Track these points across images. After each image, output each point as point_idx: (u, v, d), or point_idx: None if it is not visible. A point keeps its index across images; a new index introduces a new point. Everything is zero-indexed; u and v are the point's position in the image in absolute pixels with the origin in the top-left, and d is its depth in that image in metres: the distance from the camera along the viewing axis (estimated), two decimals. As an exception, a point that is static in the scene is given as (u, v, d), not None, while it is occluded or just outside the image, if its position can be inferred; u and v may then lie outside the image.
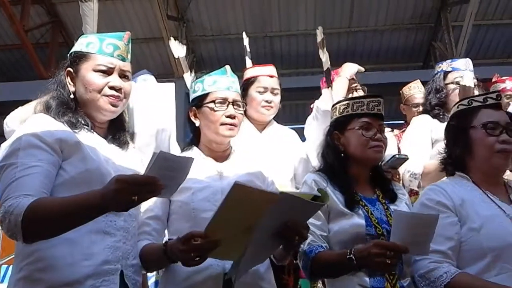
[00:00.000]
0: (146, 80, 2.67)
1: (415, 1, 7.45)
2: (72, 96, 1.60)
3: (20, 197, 1.34)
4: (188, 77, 2.29)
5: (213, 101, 1.82)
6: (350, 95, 2.58)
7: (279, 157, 2.48)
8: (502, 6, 7.48)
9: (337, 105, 1.94)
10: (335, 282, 1.70)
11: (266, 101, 2.53)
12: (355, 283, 1.64)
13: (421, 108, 3.04)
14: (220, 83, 1.85)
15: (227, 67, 1.91)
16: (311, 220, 1.69)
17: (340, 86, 2.57)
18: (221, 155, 1.87)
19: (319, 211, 1.70)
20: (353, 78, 2.68)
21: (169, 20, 7.17)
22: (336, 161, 1.85)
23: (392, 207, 1.80)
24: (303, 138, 2.68)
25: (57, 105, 1.58)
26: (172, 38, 2.52)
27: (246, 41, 2.99)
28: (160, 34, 7.21)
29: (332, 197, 1.75)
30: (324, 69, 2.60)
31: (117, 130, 1.68)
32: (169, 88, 2.33)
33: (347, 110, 1.88)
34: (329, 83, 2.53)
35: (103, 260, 1.45)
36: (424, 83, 3.17)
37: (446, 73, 2.71)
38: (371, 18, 7.66)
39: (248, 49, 2.94)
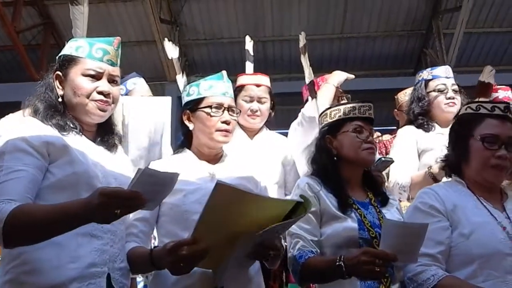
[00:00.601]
0: (136, 84, 2.67)
1: (407, 8, 7.49)
2: (60, 99, 1.59)
3: (4, 202, 1.33)
4: (180, 79, 2.29)
5: (209, 106, 1.81)
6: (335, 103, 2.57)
7: (269, 163, 2.48)
8: (493, 14, 7.55)
9: (327, 111, 1.97)
10: (326, 287, 1.69)
11: (251, 110, 2.54)
12: (346, 287, 1.63)
13: None
14: (217, 88, 1.84)
15: (224, 72, 1.89)
16: (301, 224, 1.71)
17: (327, 93, 2.58)
18: (213, 158, 1.87)
19: (310, 215, 1.71)
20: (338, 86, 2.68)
21: (162, 23, 7.15)
22: (329, 164, 1.86)
23: (383, 210, 1.82)
24: None
25: (45, 108, 1.57)
26: (166, 39, 2.51)
27: (249, 45, 2.89)
28: (153, 37, 7.19)
29: (325, 201, 1.77)
30: (307, 82, 2.59)
31: (106, 133, 1.68)
32: (166, 101, 2.32)
33: (339, 115, 1.91)
34: (313, 95, 2.52)
35: (89, 263, 1.44)
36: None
37: (427, 82, 2.71)
38: (363, 24, 7.70)
39: (251, 53, 2.87)
